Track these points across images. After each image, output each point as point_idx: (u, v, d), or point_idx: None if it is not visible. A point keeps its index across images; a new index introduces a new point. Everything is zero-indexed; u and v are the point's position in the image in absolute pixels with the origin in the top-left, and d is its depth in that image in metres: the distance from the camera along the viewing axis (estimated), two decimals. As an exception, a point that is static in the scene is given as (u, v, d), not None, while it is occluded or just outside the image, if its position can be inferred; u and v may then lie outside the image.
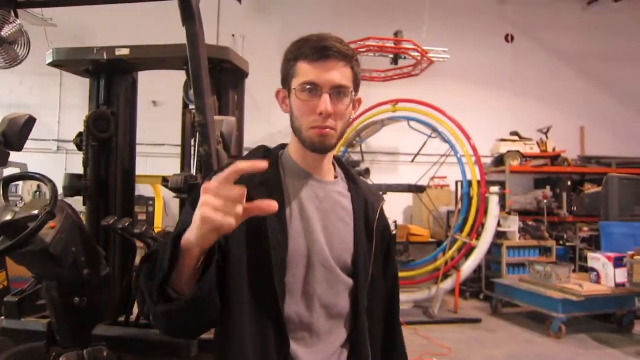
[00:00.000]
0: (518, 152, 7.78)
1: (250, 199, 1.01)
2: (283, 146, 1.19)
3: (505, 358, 4.48)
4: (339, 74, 1.04)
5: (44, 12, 6.55)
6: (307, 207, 1.09)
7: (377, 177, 6.67)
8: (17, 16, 1.85)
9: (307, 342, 1.05)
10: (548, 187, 7.82)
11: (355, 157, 7.27)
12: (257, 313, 1.00)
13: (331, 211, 1.12)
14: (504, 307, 6.01)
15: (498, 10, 8.86)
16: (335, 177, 1.17)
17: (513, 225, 6.58)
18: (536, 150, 7.92)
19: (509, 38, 8.95)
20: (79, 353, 1.62)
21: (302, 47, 1.05)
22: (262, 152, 1.15)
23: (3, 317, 1.92)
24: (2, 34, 1.71)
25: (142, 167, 2.48)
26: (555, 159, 7.91)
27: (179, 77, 2.29)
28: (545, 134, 8.02)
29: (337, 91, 1.04)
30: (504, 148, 7.83)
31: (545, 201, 7.34)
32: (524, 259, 6.37)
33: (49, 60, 2.16)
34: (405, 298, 6.17)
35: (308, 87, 1.03)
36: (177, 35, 1.96)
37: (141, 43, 2.12)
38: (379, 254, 1.18)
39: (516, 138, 7.99)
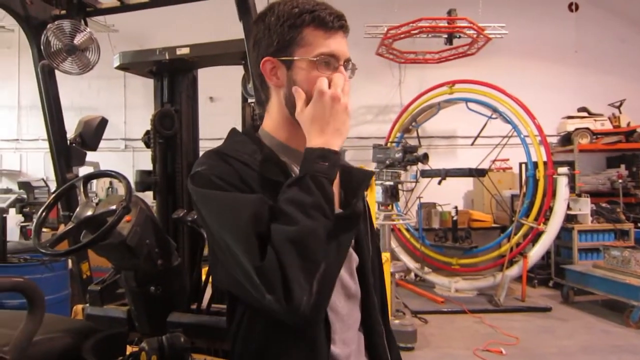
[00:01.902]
0: (587, 129, 7.28)
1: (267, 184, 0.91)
2: (255, 129, 1.07)
3: (580, 349, 4.24)
4: (346, 47, 0.98)
5: (106, 19, 6.95)
6: None
7: (434, 162, 6.48)
8: (86, 24, 1.97)
9: (336, 329, 0.98)
10: (622, 166, 7.29)
11: (412, 142, 7.11)
12: None
13: None
14: (575, 294, 5.66)
15: (560, -23, 8.29)
16: None
17: (584, 207, 6.18)
18: (608, 126, 7.37)
19: (572, 7, 8.32)
20: (158, 339, 1.71)
21: (310, 13, 0.93)
22: (241, 134, 1.04)
23: (87, 304, 2.07)
24: (75, 42, 1.83)
25: (204, 161, 2.55)
26: (630, 134, 7.31)
27: (232, 73, 2.33)
28: (618, 108, 7.44)
29: (349, 65, 0.98)
30: (571, 126, 7.36)
31: (620, 181, 6.86)
32: (597, 244, 5.96)
33: (116, 64, 2.27)
34: (468, 285, 6.01)
35: (331, 58, 0.94)
36: (230, 30, 2.00)
37: (197, 41, 2.18)
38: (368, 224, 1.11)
39: (585, 114, 7.48)
